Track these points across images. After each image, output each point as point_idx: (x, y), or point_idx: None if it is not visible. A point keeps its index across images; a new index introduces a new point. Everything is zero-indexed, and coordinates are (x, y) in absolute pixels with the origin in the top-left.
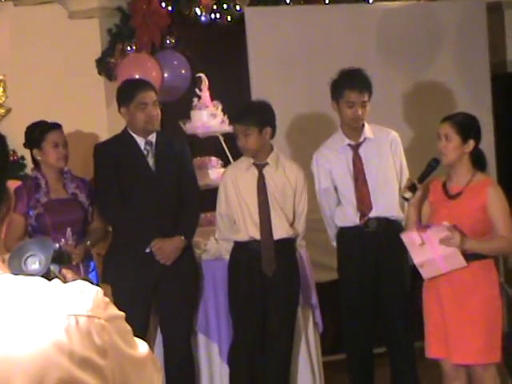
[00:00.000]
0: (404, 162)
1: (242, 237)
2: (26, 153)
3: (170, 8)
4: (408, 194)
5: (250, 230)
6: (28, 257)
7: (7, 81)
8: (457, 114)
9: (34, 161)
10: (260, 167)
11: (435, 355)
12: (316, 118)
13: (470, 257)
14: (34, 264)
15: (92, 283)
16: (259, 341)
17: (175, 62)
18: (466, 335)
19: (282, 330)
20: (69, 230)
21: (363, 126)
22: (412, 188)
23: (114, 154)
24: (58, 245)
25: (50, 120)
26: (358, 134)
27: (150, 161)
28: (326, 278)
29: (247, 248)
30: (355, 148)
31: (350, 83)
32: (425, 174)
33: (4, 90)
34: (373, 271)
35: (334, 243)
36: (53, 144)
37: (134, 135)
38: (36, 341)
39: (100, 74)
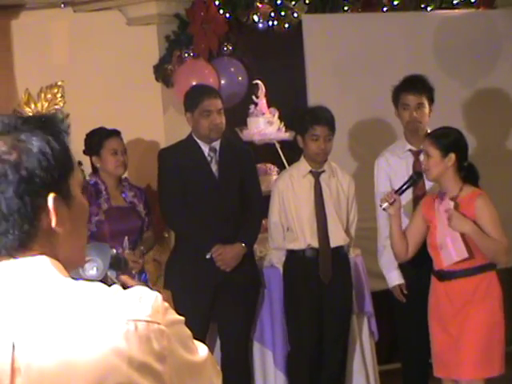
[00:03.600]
0: None
1: (300, 245)
2: (84, 158)
3: (227, 15)
4: (384, 204)
5: (308, 238)
6: (86, 262)
7: (66, 86)
8: (437, 128)
9: (93, 167)
10: (316, 175)
11: (437, 374)
12: (373, 125)
13: (473, 270)
14: (92, 269)
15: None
16: (317, 349)
17: (232, 69)
18: (464, 349)
19: (337, 338)
20: (126, 238)
21: (426, 133)
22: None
23: (177, 159)
24: (115, 250)
25: (107, 126)
26: (420, 141)
27: (214, 167)
28: (382, 287)
29: (303, 256)
30: (416, 154)
31: (406, 86)
32: (403, 187)
33: (62, 96)
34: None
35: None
36: (111, 151)
37: (198, 141)
38: (96, 345)
39: (157, 80)
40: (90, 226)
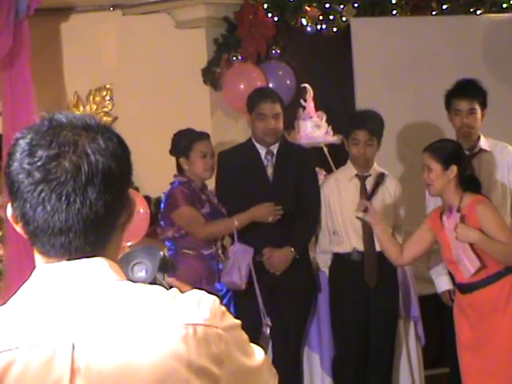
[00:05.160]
0: None
1: (345, 248)
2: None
3: (276, 18)
4: (359, 214)
5: (354, 241)
6: (135, 264)
7: (114, 89)
8: (435, 142)
9: (179, 168)
10: (362, 178)
11: None
12: (421, 128)
13: (491, 278)
14: (141, 272)
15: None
16: (363, 353)
17: (280, 72)
18: (496, 359)
19: (383, 341)
20: (219, 241)
21: (479, 137)
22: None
23: (234, 161)
24: (161, 253)
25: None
26: (473, 145)
27: (269, 171)
28: (430, 291)
29: (349, 259)
30: (469, 158)
31: (458, 91)
32: (370, 192)
33: (111, 99)
34: None
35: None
36: (201, 154)
37: (256, 144)
38: (155, 349)
39: (205, 83)
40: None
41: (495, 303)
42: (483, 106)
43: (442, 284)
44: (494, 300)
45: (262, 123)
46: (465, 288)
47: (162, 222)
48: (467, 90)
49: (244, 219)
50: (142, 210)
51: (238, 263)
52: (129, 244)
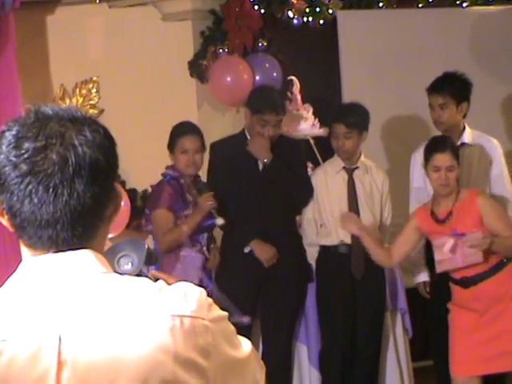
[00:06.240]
0: (504, 170)
1: (332, 240)
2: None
3: (262, 11)
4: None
5: (341, 234)
6: (121, 257)
7: (100, 82)
8: (441, 139)
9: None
10: (350, 171)
11: (464, 373)
12: (407, 121)
13: (492, 270)
14: (127, 264)
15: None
16: (350, 345)
17: (267, 65)
18: (503, 344)
19: (370, 334)
20: (205, 235)
21: (464, 129)
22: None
23: (227, 152)
24: (147, 245)
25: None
26: (456, 138)
27: (261, 163)
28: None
29: (336, 252)
30: None
31: (432, 86)
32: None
33: (97, 91)
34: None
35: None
36: (181, 150)
37: (249, 137)
38: (142, 341)
39: (192, 76)
40: (179, 222)
41: (504, 292)
42: (460, 100)
43: (420, 275)
44: (501, 289)
45: (263, 129)
46: (469, 281)
47: (147, 213)
48: (439, 85)
49: (192, 223)
50: (122, 202)
51: (186, 270)
52: (110, 236)
